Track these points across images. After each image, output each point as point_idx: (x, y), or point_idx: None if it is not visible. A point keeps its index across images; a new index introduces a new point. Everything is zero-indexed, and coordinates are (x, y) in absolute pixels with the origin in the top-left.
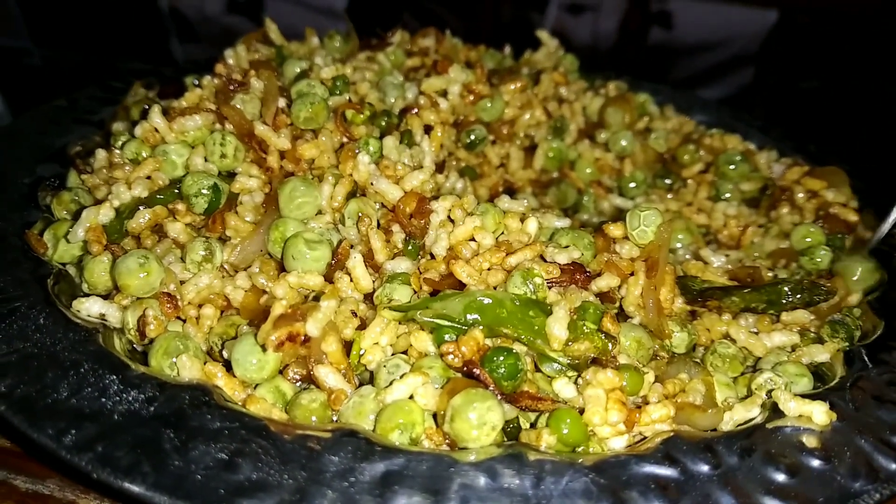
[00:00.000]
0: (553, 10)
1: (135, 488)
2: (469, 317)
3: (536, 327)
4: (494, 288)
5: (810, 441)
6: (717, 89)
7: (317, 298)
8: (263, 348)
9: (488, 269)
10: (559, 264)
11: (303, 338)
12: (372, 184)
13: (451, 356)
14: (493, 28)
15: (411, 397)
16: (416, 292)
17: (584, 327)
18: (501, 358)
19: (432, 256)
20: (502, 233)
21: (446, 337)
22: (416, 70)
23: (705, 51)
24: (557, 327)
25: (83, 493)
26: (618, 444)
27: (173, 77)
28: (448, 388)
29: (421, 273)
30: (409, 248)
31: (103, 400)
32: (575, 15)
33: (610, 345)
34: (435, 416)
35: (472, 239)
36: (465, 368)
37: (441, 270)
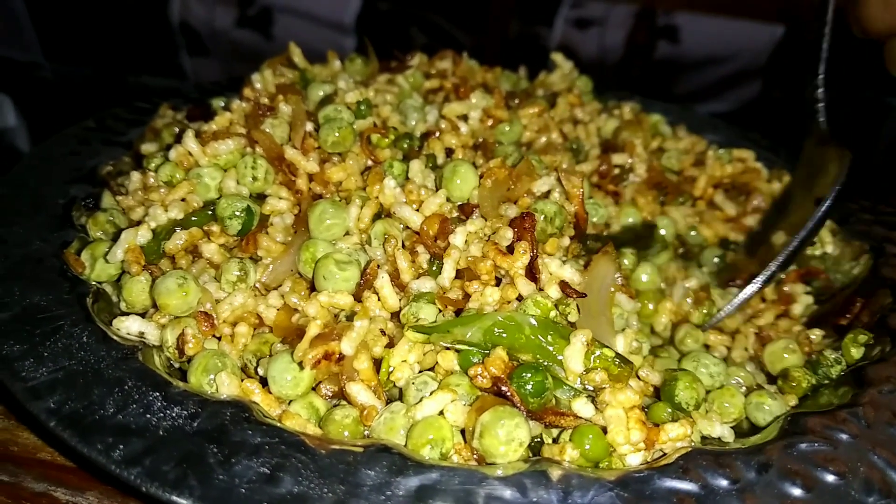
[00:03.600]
0: (560, 24)
1: (182, 501)
2: (489, 342)
3: (554, 351)
4: (517, 298)
5: (826, 457)
6: (724, 103)
7: (350, 317)
8: (300, 366)
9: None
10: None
11: (337, 356)
12: (394, 213)
13: (479, 378)
14: (500, 43)
15: (441, 413)
16: (441, 311)
17: (602, 356)
18: (528, 375)
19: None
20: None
21: (473, 360)
22: (435, 92)
23: (712, 65)
24: (574, 361)
25: None
26: (635, 459)
27: (198, 98)
28: (476, 405)
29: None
30: (434, 268)
31: (148, 416)
32: (582, 29)
33: (626, 372)
34: (463, 431)
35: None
36: (494, 386)
37: (460, 289)
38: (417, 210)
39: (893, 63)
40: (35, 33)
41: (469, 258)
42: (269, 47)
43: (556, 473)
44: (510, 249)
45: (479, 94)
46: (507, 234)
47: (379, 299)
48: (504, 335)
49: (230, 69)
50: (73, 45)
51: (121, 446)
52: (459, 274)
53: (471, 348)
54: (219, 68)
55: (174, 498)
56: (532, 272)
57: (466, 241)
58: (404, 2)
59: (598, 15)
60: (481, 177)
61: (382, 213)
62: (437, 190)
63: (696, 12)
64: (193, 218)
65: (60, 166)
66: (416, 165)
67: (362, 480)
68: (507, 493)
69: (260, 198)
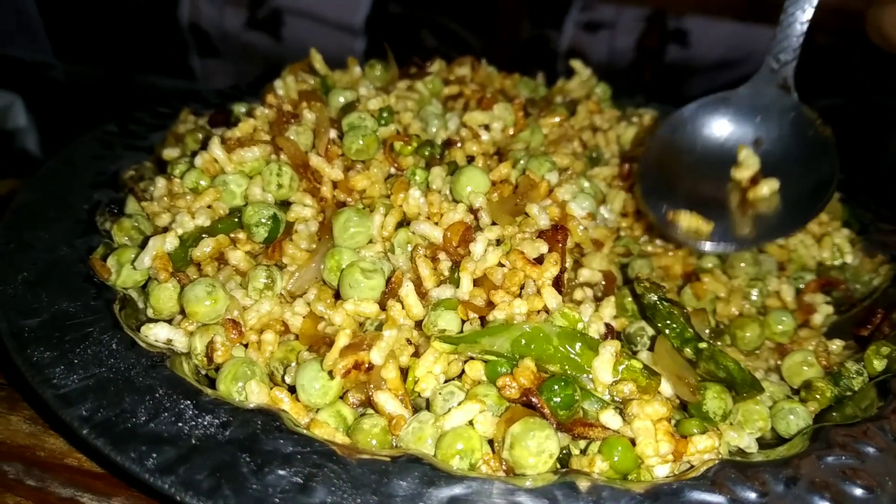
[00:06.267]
0: (570, 27)
1: None
2: (517, 353)
3: (582, 362)
4: (539, 311)
5: (854, 470)
6: None
7: (377, 326)
8: (330, 375)
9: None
10: None
11: (367, 366)
12: (413, 233)
13: (507, 389)
14: (510, 45)
15: (470, 424)
16: (465, 321)
17: (630, 367)
18: (558, 388)
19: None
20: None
21: (500, 370)
22: (455, 98)
23: (722, 69)
24: (603, 372)
25: None
26: (662, 471)
27: (218, 103)
28: (506, 416)
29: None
30: (455, 275)
31: (180, 424)
32: (591, 32)
33: (655, 383)
34: (491, 442)
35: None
36: (523, 397)
37: (484, 298)
38: (437, 224)
39: None
40: (46, 33)
41: (487, 267)
42: (278, 49)
43: (584, 485)
44: (538, 260)
45: (502, 107)
46: (541, 248)
47: (403, 308)
48: (532, 346)
49: (240, 71)
50: (85, 45)
51: (154, 454)
52: (478, 282)
53: (498, 359)
54: (229, 70)
55: None
56: (559, 284)
57: (486, 250)
58: (414, 4)
59: (608, 18)
60: (494, 184)
61: (406, 222)
62: (451, 194)
63: (706, 16)
64: (220, 225)
65: (84, 170)
66: (438, 173)
67: (394, 491)
68: None
69: (284, 205)
